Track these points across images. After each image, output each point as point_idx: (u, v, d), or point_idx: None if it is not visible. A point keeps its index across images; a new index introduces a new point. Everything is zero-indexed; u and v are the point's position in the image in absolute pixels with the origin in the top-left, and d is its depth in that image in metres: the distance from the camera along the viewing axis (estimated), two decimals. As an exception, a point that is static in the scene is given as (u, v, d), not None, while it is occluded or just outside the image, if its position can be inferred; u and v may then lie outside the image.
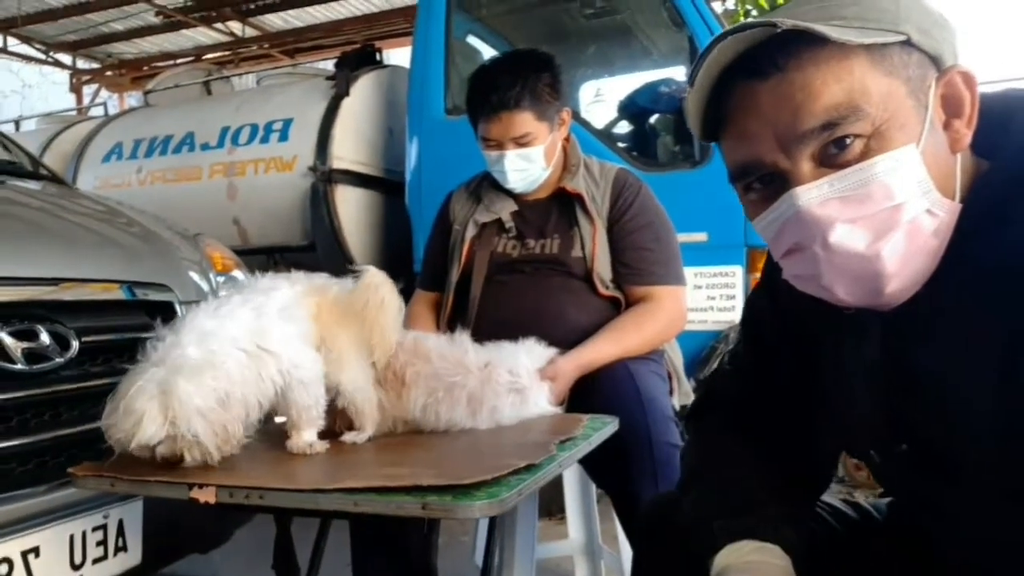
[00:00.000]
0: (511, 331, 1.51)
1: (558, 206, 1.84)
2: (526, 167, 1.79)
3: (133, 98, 8.36)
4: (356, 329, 1.23)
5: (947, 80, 0.73)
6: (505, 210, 1.86)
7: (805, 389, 0.94)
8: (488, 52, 3.94)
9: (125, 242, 1.79)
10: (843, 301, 0.76)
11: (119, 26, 7.49)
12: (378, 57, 4.16)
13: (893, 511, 1.01)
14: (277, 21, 7.50)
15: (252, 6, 7.03)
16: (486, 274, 1.81)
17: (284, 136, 3.81)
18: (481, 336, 1.44)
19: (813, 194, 0.72)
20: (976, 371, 0.71)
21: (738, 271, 2.98)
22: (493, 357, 1.37)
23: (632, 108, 3.55)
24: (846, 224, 0.71)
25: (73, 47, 8.00)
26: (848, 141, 0.70)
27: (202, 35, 7.76)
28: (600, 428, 1.31)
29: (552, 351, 1.54)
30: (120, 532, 1.42)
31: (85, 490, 1.20)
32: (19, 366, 1.33)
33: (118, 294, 1.57)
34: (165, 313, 1.52)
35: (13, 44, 7.76)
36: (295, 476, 1.06)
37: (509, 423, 1.33)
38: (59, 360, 1.39)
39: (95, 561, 1.37)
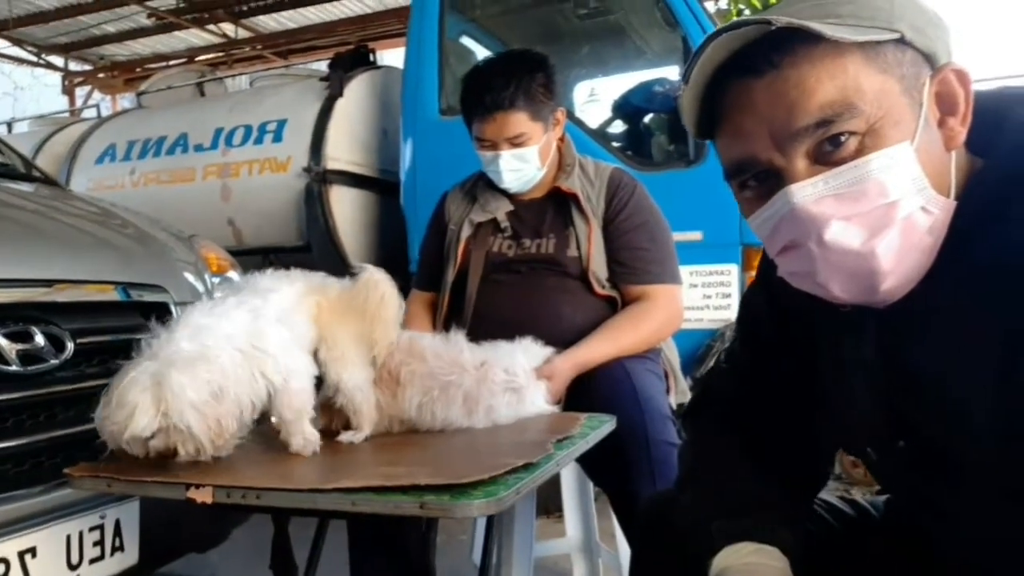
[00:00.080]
0: (507, 330, 1.51)
1: (553, 206, 1.84)
2: (521, 167, 1.79)
3: (126, 100, 8.33)
4: (357, 326, 1.23)
5: (941, 78, 0.73)
6: (500, 210, 1.86)
7: (802, 386, 0.94)
8: (482, 52, 3.93)
9: (119, 243, 1.79)
10: (838, 298, 0.76)
11: (111, 28, 7.48)
12: (372, 58, 4.15)
13: (891, 509, 1.01)
14: (270, 22, 7.49)
15: (244, 8, 7.01)
16: (482, 274, 1.82)
17: (278, 137, 3.80)
18: (477, 336, 1.44)
19: (808, 191, 0.72)
20: (973, 370, 0.71)
21: (734, 269, 2.99)
22: (489, 356, 1.37)
23: (626, 108, 3.56)
24: (841, 221, 0.71)
25: (65, 49, 7.98)
26: (843, 138, 0.71)
27: (195, 37, 7.75)
28: (597, 427, 1.31)
29: (548, 350, 1.55)
30: (117, 532, 1.41)
31: (82, 491, 1.20)
32: (14, 368, 1.33)
33: (113, 295, 1.57)
34: (160, 314, 1.51)
35: (5, 47, 7.75)
36: (292, 476, 1.06)
37: (506, 422, 1.33)
38: (54, 361, 1.39)
39: (92, 561, 1.37)
